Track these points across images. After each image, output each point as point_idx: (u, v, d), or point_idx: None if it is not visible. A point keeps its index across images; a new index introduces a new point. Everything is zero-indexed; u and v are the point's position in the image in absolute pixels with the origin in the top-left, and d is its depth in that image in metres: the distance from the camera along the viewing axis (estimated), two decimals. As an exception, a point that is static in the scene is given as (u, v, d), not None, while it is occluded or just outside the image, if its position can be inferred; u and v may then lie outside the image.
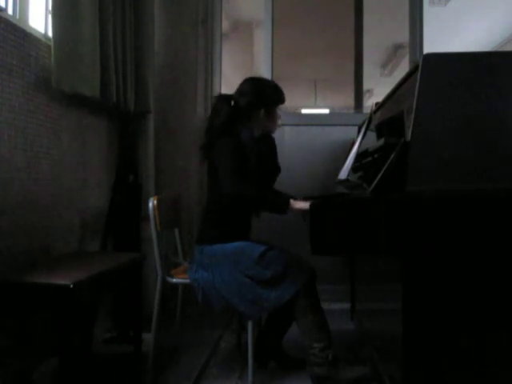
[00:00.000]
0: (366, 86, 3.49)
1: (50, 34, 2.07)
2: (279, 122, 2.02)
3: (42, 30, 2.06)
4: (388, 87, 1.96)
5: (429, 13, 3.48)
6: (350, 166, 1.73)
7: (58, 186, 2.04)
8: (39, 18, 2.07)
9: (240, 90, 1.96)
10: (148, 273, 2.39)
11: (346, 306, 2.70)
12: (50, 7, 2.07)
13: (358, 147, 1.75)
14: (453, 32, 5.54)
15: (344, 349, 2.16)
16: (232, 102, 1.91)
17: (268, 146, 1.99)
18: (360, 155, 1.84)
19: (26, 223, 1.83)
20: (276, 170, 2.01)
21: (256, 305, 1.76)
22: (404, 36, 3.34)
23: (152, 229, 1.91)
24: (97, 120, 2.39)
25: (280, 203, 1.79)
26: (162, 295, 1.96)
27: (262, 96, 1.94)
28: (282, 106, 2.03)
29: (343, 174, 1.78)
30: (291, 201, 1.76)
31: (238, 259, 1.79)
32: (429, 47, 2.98)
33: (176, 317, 2.26)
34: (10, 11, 1.85)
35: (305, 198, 1.88)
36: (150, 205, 1.90)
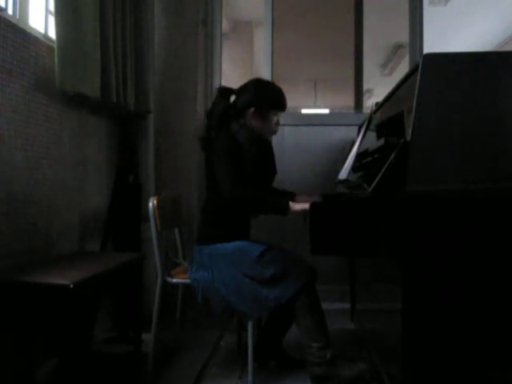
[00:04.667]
0: (366, 86, 3.49)
1: (50, 33, 2.07)
2: (276, 127, 1.95)
3: (42, 30, 2.06)
4: (388, 87, 1.96)
5: (429, 13, 3.48)
6: (350, 166, 1.73)
7: (58, 186, 2.04)
8: (39, 18, 2.07)
9: (243, 87, 1.95)
10: (148, 273, 2.39)
11: (346, 306, 2.70)
12: (50, 7, 2.08)
13: (358, 147, 1.75)
14: (453, 32, 5.54)
15: (344, 349, 2.16)
16: (233, 96, 1.93)
17: (265, 150, 1.98)
18: (360, 155, 1.84)
19: (25, 223, 1.83)
20: (272, 171, 2.00)
21: (256, 304, 1.76)
22: (404, 36, 3.34)
23: (152, 229, 1.91)
24: (97, 120, 2.39)
25: (280, 205, 1.77)
26: (162, 295, 1.96)
27: (257, 94, 1.90)
28: None
29: (343, 173, 1.78)
30: (290, 203, 1.75)
31: (238, 259, 1.79)
32: (429, 47, 2.98)
33: (176, 317, 2.26)
34: (10, 11, 1.85)
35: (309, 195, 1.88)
36: (150, 205, 1.90)
